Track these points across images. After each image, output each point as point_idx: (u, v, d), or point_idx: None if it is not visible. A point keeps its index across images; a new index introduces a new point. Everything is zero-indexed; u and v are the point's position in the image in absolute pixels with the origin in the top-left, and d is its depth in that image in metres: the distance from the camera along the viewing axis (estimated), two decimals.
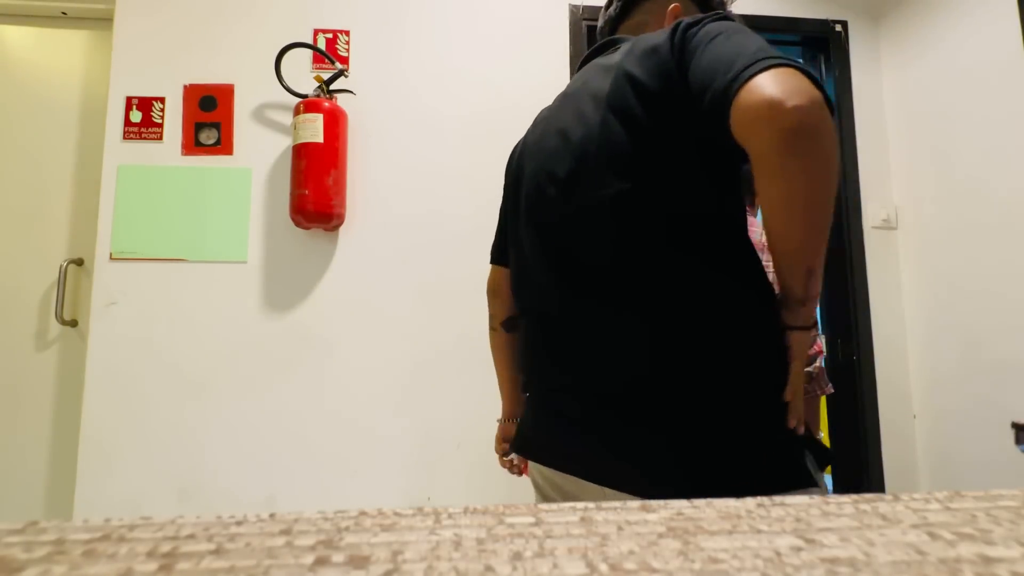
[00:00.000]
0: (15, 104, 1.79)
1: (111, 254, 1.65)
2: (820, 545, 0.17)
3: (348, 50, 1.79)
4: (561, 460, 0.68)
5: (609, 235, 0.63)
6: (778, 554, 0.16)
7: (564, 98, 0.77)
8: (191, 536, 0.18)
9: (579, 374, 0.66)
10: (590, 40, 1.90)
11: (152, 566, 0.16)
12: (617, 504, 0.20)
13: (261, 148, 1.74)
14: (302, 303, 1.69)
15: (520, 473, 0.97)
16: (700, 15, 0.64)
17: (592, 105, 0.68)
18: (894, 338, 1.91)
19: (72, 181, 1.78)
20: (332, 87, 1.71)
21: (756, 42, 0.57)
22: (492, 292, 0.96)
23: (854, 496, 0.21)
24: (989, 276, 1.62)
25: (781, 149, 0.51)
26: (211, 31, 1.76)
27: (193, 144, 1.72)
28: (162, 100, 1.72)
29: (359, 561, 0.16)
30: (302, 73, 1.76)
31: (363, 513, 0.20)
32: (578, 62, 1.84)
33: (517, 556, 0.16)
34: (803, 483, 0.57)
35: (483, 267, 1.72)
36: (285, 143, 1.73)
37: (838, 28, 1.99)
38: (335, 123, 1.64)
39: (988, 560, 0.16)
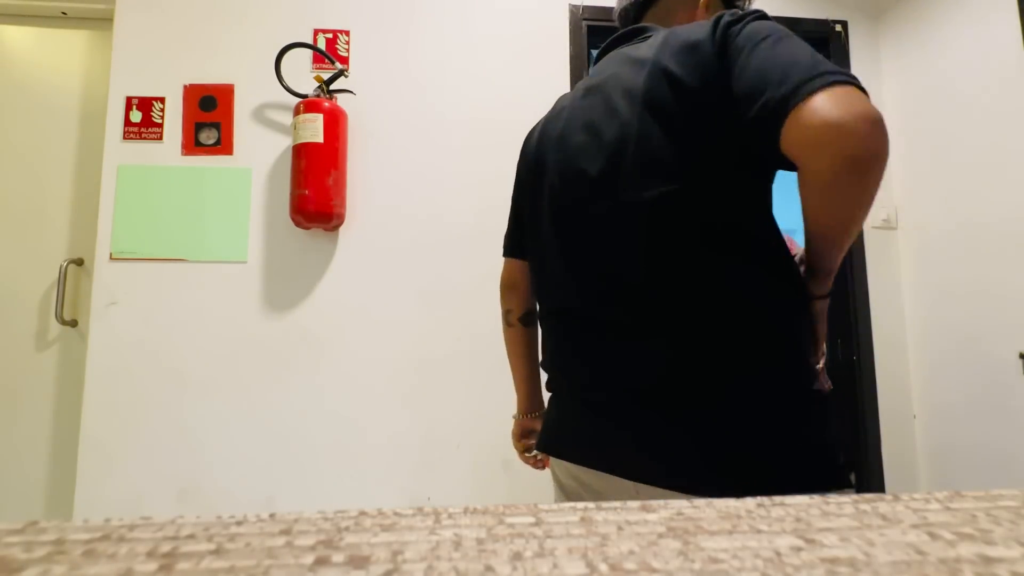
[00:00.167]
0: (15, 104, 1.79)
1: (111, 254, 1.65)
2: (820, 545, 0.17)
3: (348, 50, 1.79)
4: (593, 457, 0.66)
5: (645, 236, 0.62)
6: (778, 554, 0.16)
7: (590, 90, 0.74)
8: (191, 536, 0.18)
9: (612, 372, 0.64)
10: (590, 40, 1.90)
11: (152, 566, 0.16)
12: (617, 504, 0.20)
13: (261, 148, 1.74)
14: (302, 303, 1.69)
15: (544, 467, 0.95)
16: (742, 12, 0.62)
17: (625, 101, 0.66)
18: (894, 338, 1.91)
19: (72, 181, 1.78)
20: (332, 87, 1.71)
21: (807, 50, 0.55)
22: (508, 287, 0.93)
23: (854, 496, 0.21)
24: (989, 276, 1.62)
25: (842, 173, 0.51)
26: (211, 31, 1.76)
27: (193, 144, 1.72)
28: (162, 100, 1.72)
29: (359, 561, 0.16)
30: (302, 73, 1.76)
31: (363, 513, 0.20)
32: (574, 59, 1.85)
33: (517, 556, 0.16)
34: (842, 483, 0.57)
35: (483, 266, 1.73)
36: (285, 143, 1.73)
37: (838, 28, 1.99)
38: (335, 123, 1.64)
39: (988, 560, 0.16)
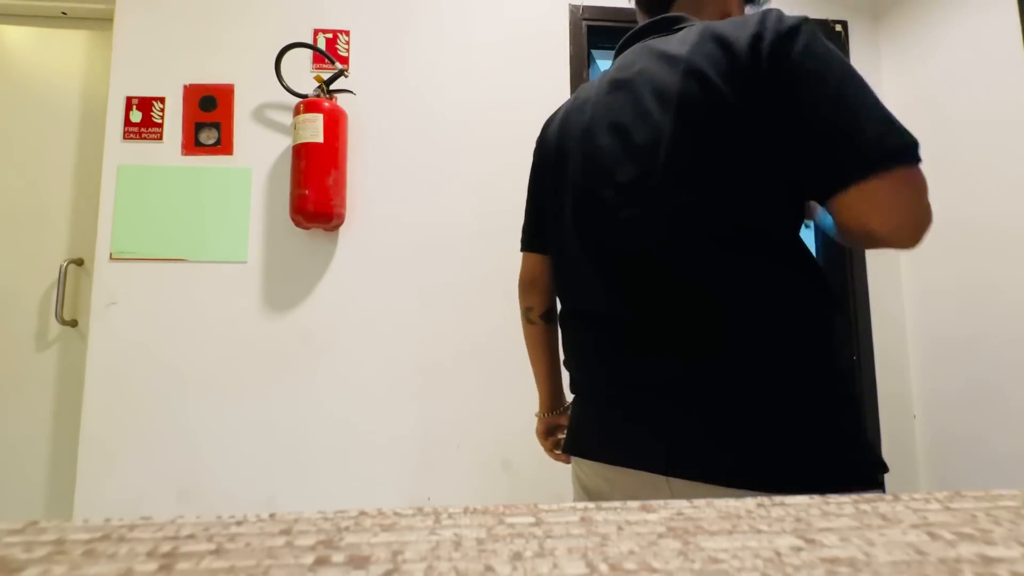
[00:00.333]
0: (15, 104, 1.80)
1: (111, 254, 1.65)
2: (820, 545, 0.17)
3: (348, 50, 1.79)
4: (627, 455, 0.65)
5: (677, 243, 0.61)
6: (778, 554, 0.16)
7: (616, 84, 0.70)
8: (191, 536, 0.18)
9: (643, 372, 0.63)
10: (590, 40, 1.90)
11: (152, 566, 0.16)
12: (617, 504, 0.20)
13: (261, 148, 1.74)
14: (302, 303, 1.69)
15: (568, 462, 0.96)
16: (792, 23, 0.58)
17: (657, 104, 0.63)
18: (894, 338, 1.91)
19: (72, 181, 1.78)
20: (332, 87, 1.71)
21: (872, 97, 0.55)
22: (528, 283, 0.90)
23: (854, 496, 0.21)
24: (989, 276, 1.62)
25: (891, 245, 0.58)
26: (211, 31, 1.76)
27: (193, 144, 1.72)
28: (162, 100, 1.72)
29: (359, 561, 0.16)
30: (302, 73, 1.76)
31: (363, 513, 0.20)
32: (574, 59, 1.85)
33: (517, 556, 0.16)
34: (876, 482, 0.58)
35: (484, 267, 1.74)
36: (285, 143, 1.73)
37: (838, 28, 1.99)
38: (335, 123, 1.64)
39: (988, 560, 0.16)
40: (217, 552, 0.17)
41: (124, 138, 1.70)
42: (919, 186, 0.55)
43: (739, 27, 0.60)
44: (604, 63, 2.07)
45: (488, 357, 1.71)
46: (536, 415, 0.96)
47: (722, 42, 0.60)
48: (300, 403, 1.65)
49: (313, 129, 1.60)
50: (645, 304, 0.64)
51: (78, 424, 1.59)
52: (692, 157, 0.60)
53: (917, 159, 0.55)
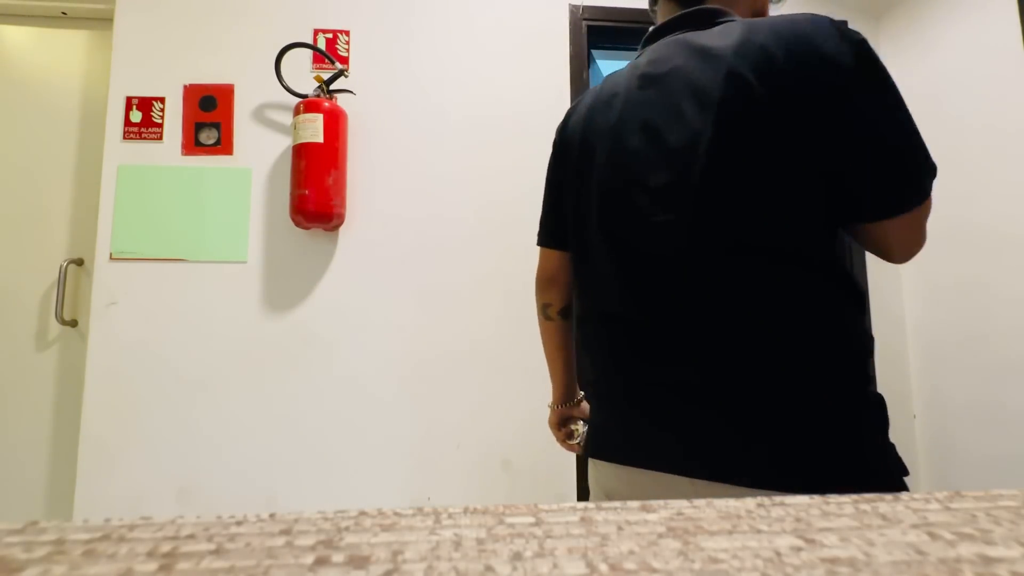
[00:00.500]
0: (15, 104, 1.80)
1: (111, 254, 1.65)
2: (820, 545, 0.17)
3: (348, 50, 1.79)
4: (653, 458, 0.64)
5: (711, 252, 0.60)
6: (778, 554, 0.16)
7: (647, 80, 0.67)
8: (191, 536, 0.18)
9: (671, 375, 0.63)
10: (590, 40, 1.90)
11: (152, 566, 0.16)
12: (617, 504, 0.20)
13: (261, 148, 1.74)
14: (302, 303, 1.69)
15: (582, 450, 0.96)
16: (851, 35, 0.58)
17: (693, 104, 0.61)
18: (894, 338, 1.91)
19: (72, 181, 1.78)
20: (332, 87, 1.71)
21: (916, 128, 0.57)
22: (547, 280, 0.88)
23: (854, 496, 0.21)
24: (989, 276, 1.62)
25: (892, 262, 0.66)
26: (211, 31, 1.76)
27: (193, 144, 1.72)
28: (162, 100, 1.72)
29: (359, 561, 0.16)
30: (302, 73, 1.76)
31: (363, 513, 0.20)
32: (574, 59, 1.85)
33: (517, 556, 0.16)
34: (903, 486, 0.59)
35: (484, 267, 1.74)
36: (285, 143, 1.73)
37: None
38: (335, 123, 1.64)
39: (988, 560, 0.16)
40: (217, 552, 0.17)
41: (124, 138, 1.70)
42: (928, 212, 0.60)
43: (791, 33, 0.58)
44: (604, 63, 2.07)
45: (488, 357, 1.71)
46: (549, 406, 0.97)
47: (771, 47, 0.58)
48: (300, 403, 1.65)
49: (313, 129, 1.60)
50: (674, 310, 0.62)
51: (78, 424, 1.59)
52: (732, 165, 0.58)
53: (930, 189, 0.59)
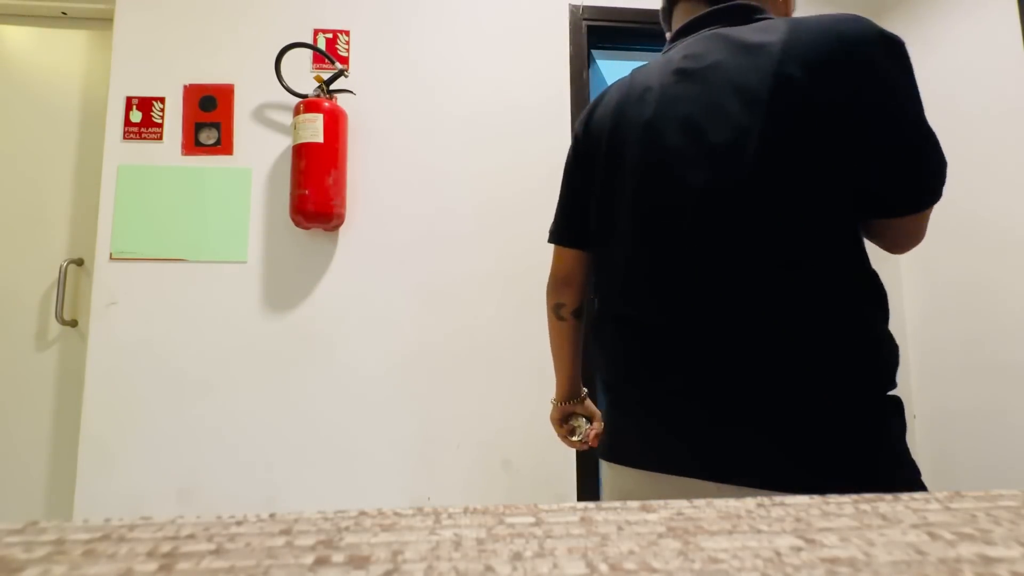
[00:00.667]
0: (15, 104, 1.80)
1: (111, 254, 1.65)
2: (820, 545, 0.17)
3: (348, 50, 1.79)
4: (680, 462, 0.63)
5: (754, 257, 0.59)
6: (778, 554, 0.16)
7: (684, 74, 0.65)
8: (191, 536, 0.18)
9: (700, 381, 0.62)
10: (590, 40, 1.90)
11: (152, 566, 0.16)
12: (617, 504, 0.20)
13: (261, 148, 1.74)
14: (302, 303, 1.69)
15: (588, 447, 0.94)
16: (891, 35, 0.58)
17: (739, 102, 0.59)
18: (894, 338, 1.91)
19: (72, 181, 1.78)
20: (332, 87, 1.71)
21: (933, 135, 0.60)
22: (564, 280, 0.85)
23: (854, 496, 0.21)
24: (989, 275, 1.62)
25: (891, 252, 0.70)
26: (211, 31, 1.76)
27: (193, 144, 1.72)
28: (162, 100, 1.72)
29: (359, 561, 0.16)
30: (302, 73, 1.76)
31: (363, 513, 0.20)
32: (574, 59, 1.85)
33: (517, 556, 0.16)
34: (924, 489, 0.59)
35: (484, 267, 1.73)
36: (285, 143, 1.73)
37: None
38: (335, 123, 1.64)
39: (988, 560, 0.16)
40: (217, 552, 0.17)
41: (124, 138, 1.70)
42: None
43: (837, 32, 0.58)
44: (604, 63, 2.07)
45: (488, 356, 1.71)
46: (552, 402, 0.96)
47: (819, 45, 0.57)
48: (300, 403, 1.65)
49: (313, 129, 1.60)
50: (706, 315, 0.61)
51: (78, 424, 1.59)
52: (781, 165, 0.58)
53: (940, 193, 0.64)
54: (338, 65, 1.73)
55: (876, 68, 0.57)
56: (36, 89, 1.81)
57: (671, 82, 0.66)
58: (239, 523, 0.19)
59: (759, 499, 0.21)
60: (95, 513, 1.54)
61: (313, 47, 1.75)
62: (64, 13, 1.83)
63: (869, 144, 0.57)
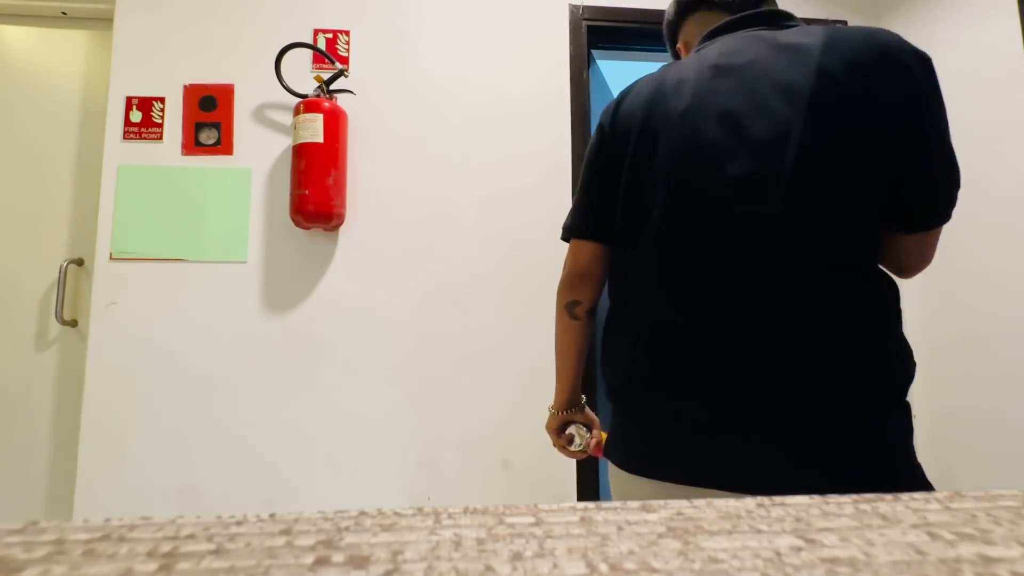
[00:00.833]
0: (15, 104, 1.79)
1: (111, 254, 1.65)
2: (820, 545, 0.17)
3: (348, 50, 1.79)
4: (709, 475, 0.62)
5: (801, 251, 0.59)
6: (778, 554, 0.16)
7: (721, 70, 0.66)
8: (191, 536, 0.18)
9: (731, 387, 0.61)
10: (590, 40, 1.90)
11: (152, 566, 0.16)
12: (617, 504, 0.20)
13: (261, 148, 1.74)
14: (302, 303, 1.69)
15: (584, 456, 0.92)
16: (924, 53, 0.61)
17: (781, 98, 0.60)
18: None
19: (72, 181, 1.78)
20: (332, 87, 1.71)
21: (956, 165, 0.63)
22: (583, 275, 0.79)
23: (854, 496, 0.21)
24: (989, 276, 1.62)
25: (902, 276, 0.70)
26: (211, 31, 1.76)
27: (193, 144, 1.72)
28: (162, 100, 1.72)
29: (359, 561, 0.16)
30: (302, 73, 1.76)
31: (363, 513, 0.20)
32: (574, 59, 1.85)
33: (517, 556, 0.16)
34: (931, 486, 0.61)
35: (484, 267, 1.73)
36: (285, 143, 1.73)
37: None
38: (335, 123, 1.64)
39: (988, 560, 0.16)
40: (217, 552, 0.17)
41: (124, 138, 1.70)
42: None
43: (875, 40, 0.60)
44: (604, 63, 2.07)
45: (488, 357, 1.71)
46: (551, 410, 0.91)
47: (859, 48, 0.60)
48: (300, 403, 1.65)
49: (313, 129, 1.60)
50: (742, 314, 0.61)
51: (78, 424, 1.59)
52: (825, 162, 0.58)
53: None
54: (338, 65, 1.73)
55: (915, 79, 0.59)
56: (36, 89, 1.81)
57: (708, 76, 0.66)
58: (239, 523, 0.19)
59: (759, 499, 0.21)
60: (95, 513, 1.54)
61: (313, 47, 1.75)
62: (64, 13, 1.83)
63: (904, 153, 0.59)
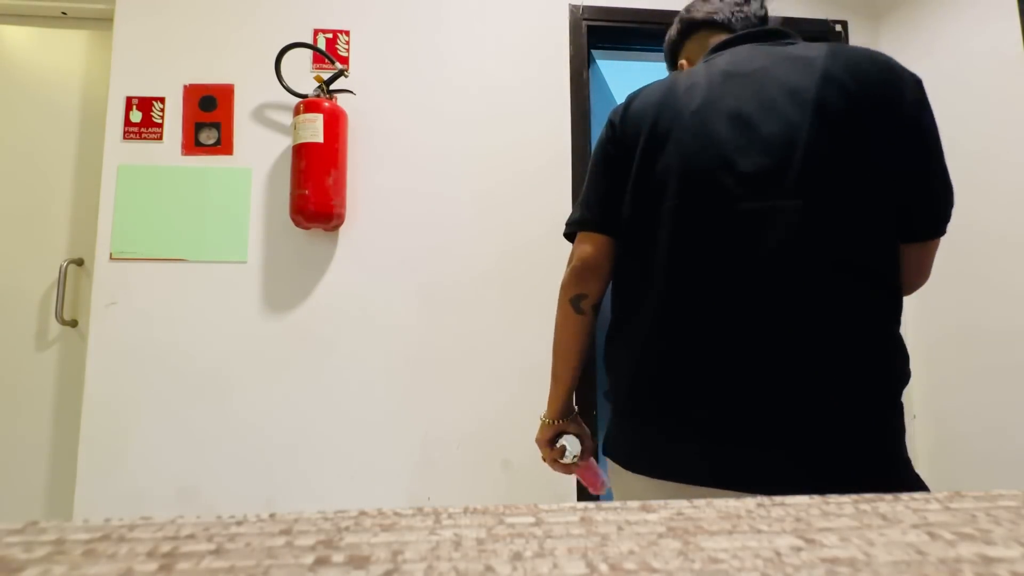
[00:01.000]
0: (15, 104, 1.79)
1: (111, 254, 1.65)
2: (820, 545, 0.17)
3: (348, 50, 1.79)
4: (722, 476, 0.62)
5: (805, 245, 0.61)
6: (778, 554, 0.16)
7: (729, 75, 0.69)
8: (191, 536, 0.18)
9: (736, 388, 0.62)
10: (590, 40, 1.90)
11: (152, 566, 0.16)
12: (617, 504, 0.20)
13: (261, 148, 1.74)
14: (302, 303, 1.69)
15: (572, 471, 0.89)
16: (908, 70, 0.66)
17: (789, 101, 0.64)
18: None
19: (72, 181, 1.78)
20: (332, 87, 1.71)
21: (951, 182, 0.69)
22: (592, 268, 0.78)
23: (854, 496, 0.21)
24: (989, 275, 1.62)
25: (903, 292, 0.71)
26: (211, 31, 1.76)
27: (193, 144, 1.72)
28: (162, 100, 1.72)
29: (359, 561, 0.16)
30: (302, 73, 1.76)
31: (363, 513, 0.20)
32: (574, 58, 1.84)
33: (517, 556, 0.16)
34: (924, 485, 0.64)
35: (484, 266, 1.73)
36: (285, 143, 1.73)
37: (838, 28, 1.99)
38: (335, 123, 1.64)
39: (988, 560, 0.16)
40: (217, 552, 0.17)
41: (124, 138, 1.70)
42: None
43: (871, 55, 0.66)
44: (604, 63, 2.07)
45: (488, 357, 1.71)
46: (543, 419, 0.87)
47: (860, 59, 0.65)
48: (300, 403, 1.65)
49: (313, 129, 1.60)
50: (750, 307, 0.62)
51: (78, 424, 1.59)
52: (831, 161, 0.62)
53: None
54: (338, 65, 1.73)
55: (915, 89, 0.65)
56: (36, 89, 1.81)
57: (719, 81, 0.70)
58: (239, 523, 0.19)
59: (759, 499, 0.21)
60: (95, 513, 1.54)
61: (313, 47, 1.75)
62: (64, 13, 1.83)
63: (906, 153, 0.64)
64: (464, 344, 1.71)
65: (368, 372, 1.68)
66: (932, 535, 0.17)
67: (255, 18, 1.77)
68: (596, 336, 0.86)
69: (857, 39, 2.01)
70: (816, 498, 0.21)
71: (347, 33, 1.80)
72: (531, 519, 0.19)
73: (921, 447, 1.84)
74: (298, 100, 1.66)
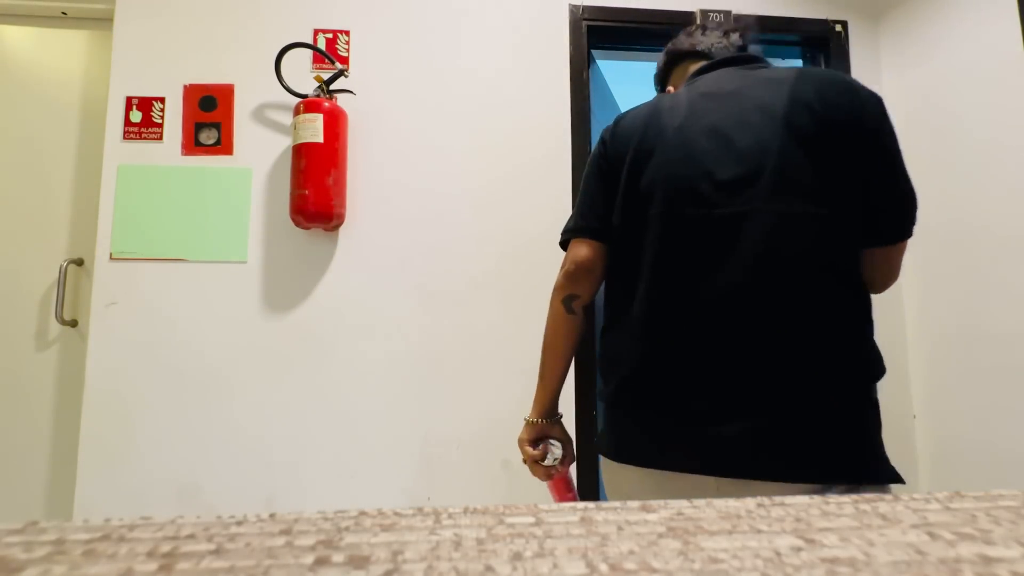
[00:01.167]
0: (15, 104, 1.79)
1: (111, 254, 1.65)
2: (820, 545, 0.17)
3: (348, 50, 1.79)
4: (711, 463, 0.68)
5: (778, 249, 0.68)
6: (778, 554, 0.16)
7: (708, 96, 0.77)
8: (191, 536, 0.18)
9: (727, 381, 0.68)
10: (590, 40, 1.90)
11: (152, 566, 0.16)
12: (617, 504, 0.20)
13: (261, 148, 1.74)
14: (302, 303, 1.69)
15: (552, 477, 0.89)
16: (869, 89, 0.74)
17: (761, 117, 0.71)
18: (894, 338, 1.91)
19: (72, 181, 1.78)
20: (332, 87, 1.70)
21: (912, 186, 0.73)
22: (586, 270, 0.83)
23: (854, 496, 0.21)
24: (989, 275, 1.62)
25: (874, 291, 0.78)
26: (211, 31, 1.76)
27: (193, 144, 1.72)
28: (162, 100, 1.72)
29: (359, 561, 0.16)
30: (302, 73, 1.76)
31: (363, 513, 0.20)
32: (574, 59, 1.85)
33: (517, 556, 0.16)
34: (899, 478, 0.68)
35: (484, 266, 1.73)
36: (285, 143, 1.73)
37: (838, 28, 1.99)
38: (335, 123, 1.64)
39: (988, 560, 0.16)
40: (217, 552, 0.17)
41: (124, 138, 1.70)
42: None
43: (834, 77, 0.74)
44: (604, 63, 2.07)
45: (488, 357, 1.71)
46: (528, 420, 0.89)
47: (825, 80, 0.72)
48: (300, 403, 1.65)
49: (313, 129, 1.60)
50: (725, 311, 0.69)
51: (78, 424, 1.59)
52: (800, 170, 0.68)
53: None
54: (338, 65, 1.73)
55: (874, 105, 0.72)
56: (36, 89, 1.81)
57: (698, 101, 0.78)
58: (239, 523, 0.19)
59: (759, 499, 0.21)
60: (95, 513, 1.54)
61: (313, 47, 1.75)
62: (64, 13, 1.83)
63: (869, 161, 0.69)
64: (464, 344, 1.71)
65: (368, 372, 1.68)
66: (932, 535, 0.17)
67: (255, 18, 1.77)
68: (586, 339, 0.89)
69: (857, 39, 2.01)
70: (816, 498, 0.21)
71: (347, 33, 1.80)
72: (531, 519, 0.19)
73: (921, 447, 1.84)
74: (298, 100, 1.66)
